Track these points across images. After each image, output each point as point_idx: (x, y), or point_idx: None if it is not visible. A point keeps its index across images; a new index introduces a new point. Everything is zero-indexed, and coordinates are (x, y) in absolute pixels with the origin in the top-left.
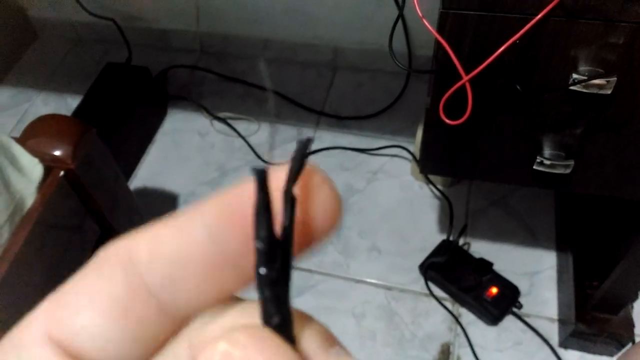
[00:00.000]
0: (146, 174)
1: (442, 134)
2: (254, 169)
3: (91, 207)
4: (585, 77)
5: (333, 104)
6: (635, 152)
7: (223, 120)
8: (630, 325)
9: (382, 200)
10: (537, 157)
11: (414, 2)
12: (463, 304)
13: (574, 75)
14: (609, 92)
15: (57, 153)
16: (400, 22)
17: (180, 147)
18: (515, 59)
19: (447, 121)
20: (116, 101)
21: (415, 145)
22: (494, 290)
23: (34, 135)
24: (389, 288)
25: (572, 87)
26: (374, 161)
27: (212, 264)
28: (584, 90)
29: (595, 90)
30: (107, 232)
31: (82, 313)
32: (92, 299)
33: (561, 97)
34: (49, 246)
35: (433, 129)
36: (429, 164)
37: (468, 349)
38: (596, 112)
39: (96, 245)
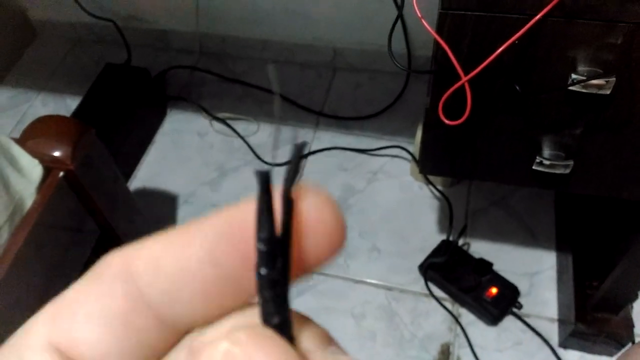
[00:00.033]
0: (146, 175)
1: (442, 134)
2: (258, 171)
3: (91, 207)
4: (584, 78)
5: (332, 104)
6: (635, 152)
7: (222, 121)
8: (630, 325)
9: (381, 200)
10: (537, 157)
11: (412, 3)
12: (463, 304)
13: (573, 76)
14: (608, 92)
15: (56, 154)
16: (399, 23)
17: (180, 147)
18: (514, 59)
19: (447, 121)
20: (116, 102)
21: (414, 146)
22: (494, 290)
23: (34, 136)
24: (389, 288)
25: (571, 88)
26: (374, 162)
27: (211, 284)
28: (583, 91)
29: (594, 91)
30: (107, 232)
31: (83, 324)
32: (92, 311)
33: (560, 98)
34: (48, 247)
35: (432, 129)
36: (428, 164)
37: (468, 349)
38: (595, 112)
39: (96, 245)
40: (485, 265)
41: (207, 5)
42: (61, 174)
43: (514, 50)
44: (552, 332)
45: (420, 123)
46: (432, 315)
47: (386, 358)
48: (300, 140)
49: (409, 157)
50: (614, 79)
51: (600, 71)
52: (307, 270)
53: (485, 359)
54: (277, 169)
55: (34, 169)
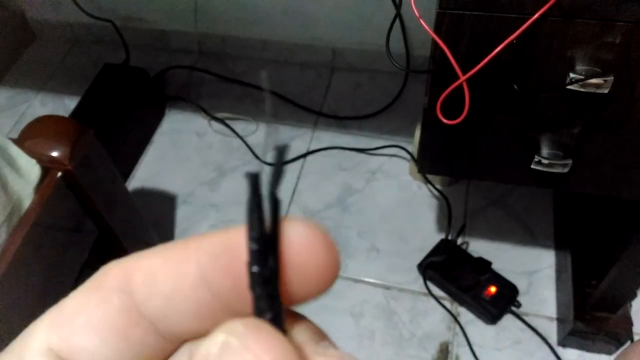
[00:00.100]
0: (144, 175)
1: (440, 134)
2: (248, 173)
3: (89, 208)
4: (583, 77)
5: (331, 104)
6: (633, 152)
7: (221, 121)
8: (629, 323)
9: (380, 200)
10: (535, 157)
11: (411, 2)
12: (462, 303)
13: (571, 75)
14: (606, 91)
15: (54, 154)
16: (397, 23)
17: (179, 147)
18: (512, 58)
19: (445, 121)
20: (114, 102)
21: (413, 145)
22: (493, 289)
23: (32, 136)
24: (387, 287)
25: (569, 87)
26: (373, 161)
27: (204, 306)
28: (581, 90)
29: (592, 90)
30: (105, 233)
31: (82, 334)
32: (91, 321)
33: (558, 97)
34: (46, 247)
35: (431, 128)
36: (427, 163)
37: (467, 348)
38: (593, 111)
39: (94, 246)
40: (484, 264)
41: (206, 5)
42: (59, 174)
43: (512, 50)
44: (551, 330)
45: (419, 122)
46: (431, 314)
47: (385, 357)
48: (281, 143)
49: (408, 156)
50: (612, 78)
51: (599, 70)
52: (294, 304)
53: (484, 357)
54: (269, 168)
55: (32, 169)
